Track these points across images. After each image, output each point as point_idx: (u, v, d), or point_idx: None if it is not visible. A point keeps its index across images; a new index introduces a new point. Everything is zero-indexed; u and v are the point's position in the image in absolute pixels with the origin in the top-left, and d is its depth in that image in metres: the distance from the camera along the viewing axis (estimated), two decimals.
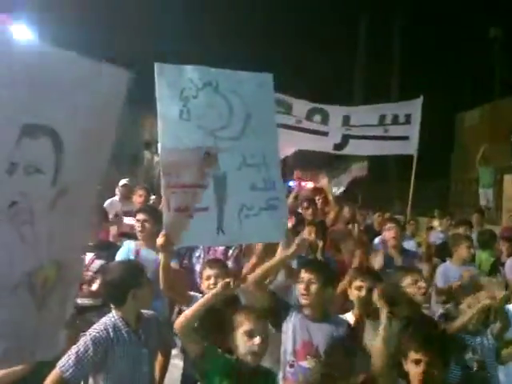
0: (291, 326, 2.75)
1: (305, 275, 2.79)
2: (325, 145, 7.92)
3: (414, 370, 2.15)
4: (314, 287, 2.74)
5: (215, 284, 2.79)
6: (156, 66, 2.72)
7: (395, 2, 16.74)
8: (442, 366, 2.20)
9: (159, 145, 2.73)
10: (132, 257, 3.57)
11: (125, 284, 2.42)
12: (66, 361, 2.20)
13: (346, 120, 7.77)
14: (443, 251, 5.16)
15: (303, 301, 2.78)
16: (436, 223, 8.37)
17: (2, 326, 1.79)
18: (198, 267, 3.71)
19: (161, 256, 2.79)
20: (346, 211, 5.47)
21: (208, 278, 2.91)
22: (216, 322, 2.61)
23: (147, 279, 2.58)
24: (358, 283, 3.00)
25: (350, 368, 2.64)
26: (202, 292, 2.99)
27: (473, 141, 13.26)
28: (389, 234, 4.41)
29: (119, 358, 2.34)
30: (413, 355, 2.16)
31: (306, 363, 2.65)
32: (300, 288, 2.79)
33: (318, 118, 7.83)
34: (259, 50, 16.75)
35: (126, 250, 3.73)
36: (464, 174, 13.30)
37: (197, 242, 3.06)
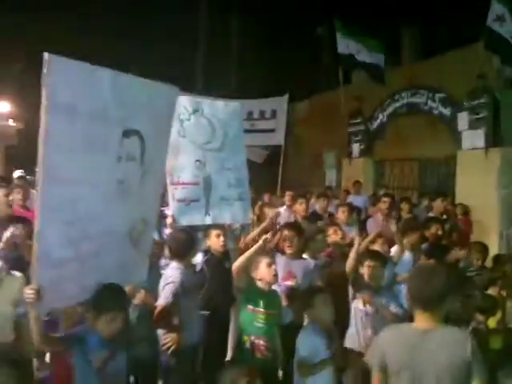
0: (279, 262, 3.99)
1: (289, 233, 4.16)
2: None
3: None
4: (295, 241, 4.13)
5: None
6: None
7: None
8: None
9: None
10: None
11: (190, 244, 3.63)
12: (165, 298, 3.36)
13: None
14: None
15: (288, 248, 4.15)
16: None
17: (125, 259, 2.88)
18: None
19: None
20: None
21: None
22: None
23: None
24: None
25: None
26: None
27: (303, 129, 14.67)
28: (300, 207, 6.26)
29: (188, 293, 3.52)
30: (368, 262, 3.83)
31: (290, 283, 4.05)
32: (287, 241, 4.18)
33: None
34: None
35: None
36: (297, 159, 14.34)
37: (191, 223, 4.07)
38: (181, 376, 3.48)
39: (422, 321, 2.32)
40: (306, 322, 3.43)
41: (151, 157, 2.91)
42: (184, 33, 18.22)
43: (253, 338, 3.51)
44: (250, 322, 3.56)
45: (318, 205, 7.24)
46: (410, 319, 2.52)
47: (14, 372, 1.79)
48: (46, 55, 2.33)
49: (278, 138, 9.18)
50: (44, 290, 2.39)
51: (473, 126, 8.28)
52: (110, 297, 2.67)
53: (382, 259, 3.89)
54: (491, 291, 4.08)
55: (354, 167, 11.73)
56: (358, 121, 11.62)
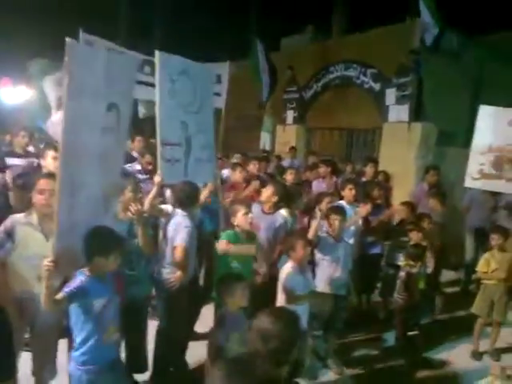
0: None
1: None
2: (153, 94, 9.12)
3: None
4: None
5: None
6: (157, 53, 3.99)
7: None
8: None
9: (157, 115, 3.99)
10: None
11: (195, 195, 4.04)
12: (183, 239, 3.80)
13: None
14: None
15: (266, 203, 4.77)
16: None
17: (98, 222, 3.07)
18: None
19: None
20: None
21: None
22: None
23: None
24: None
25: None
26: None
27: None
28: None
29: (193, 235, 3.98)
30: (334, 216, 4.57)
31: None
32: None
33: (147, 69, 8.55)
34: None
35: None
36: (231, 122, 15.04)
37: (173, 180, 4.27)
38: (179, 309, 3.94)
39: None
40: (286, 263, 3.98)
41: (122, 125, 3.26)
42: None
43: None
44: (227, 265, 4.05)
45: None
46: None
47: None
48: (68, 41, 2.60)
49: (222, 102, 9.50)
50: (60, 260, 2.72)
51: (399, 101, 9.19)
52: (111, 237, 2.91)
53: (344, 214, 4.56)
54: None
55: (288, 133, 12.34)
56: (294, 89, 12.15)
